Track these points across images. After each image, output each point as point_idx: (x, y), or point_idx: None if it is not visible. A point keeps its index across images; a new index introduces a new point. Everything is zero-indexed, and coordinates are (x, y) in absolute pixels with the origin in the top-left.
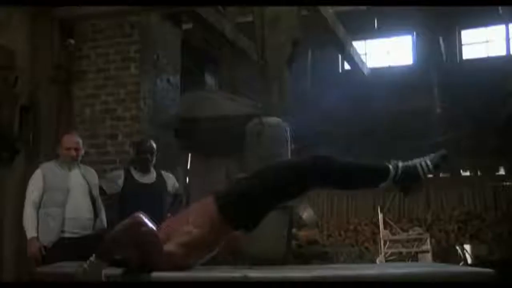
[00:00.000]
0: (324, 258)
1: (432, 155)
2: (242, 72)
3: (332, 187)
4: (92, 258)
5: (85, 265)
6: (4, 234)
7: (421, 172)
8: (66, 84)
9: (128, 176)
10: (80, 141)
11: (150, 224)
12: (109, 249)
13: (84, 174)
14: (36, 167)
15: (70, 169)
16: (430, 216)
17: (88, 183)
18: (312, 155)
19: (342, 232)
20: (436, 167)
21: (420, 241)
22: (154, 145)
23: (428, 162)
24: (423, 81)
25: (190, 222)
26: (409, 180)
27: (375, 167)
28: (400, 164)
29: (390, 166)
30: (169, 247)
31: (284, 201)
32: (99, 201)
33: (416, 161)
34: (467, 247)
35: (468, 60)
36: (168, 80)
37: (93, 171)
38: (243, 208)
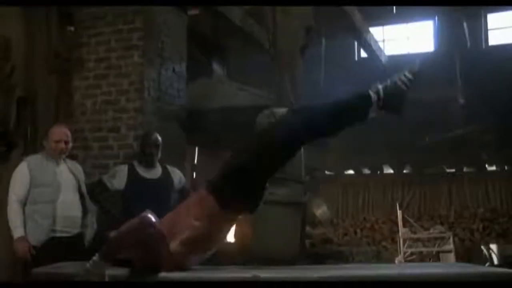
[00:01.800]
0: (339, 257)
1: (411, 65)
2: (252, 60)
3: (319, 134)
4: (95, 258)
5: (88, 265)
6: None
7: (403, 86)
8: (65, 74)
9: (132, 172)
10: (69, 133)
11: (158, 225)
12: (114, 249)
13: (72, 169)
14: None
15: (58, 163)
16: (453, 213)
17: (76, 178)
18: (291, 110)
19: (358, 231)
20: (416, 73)
21: (442, 240)
22: (159, 139)
23: (407, 73)
24: (445, 69)
25: (190, 215)
26: (395, 99)
27: (356, 98)
28: (380, 86)
29: (371, 92)
30: (173, 245)
31: (275, 168)
32: (88, 197)
33: (394, 77)
34: (493, 246)
35: (494, 46)
36: (174, 69)
37: (78, 166)
38: (235, 187)
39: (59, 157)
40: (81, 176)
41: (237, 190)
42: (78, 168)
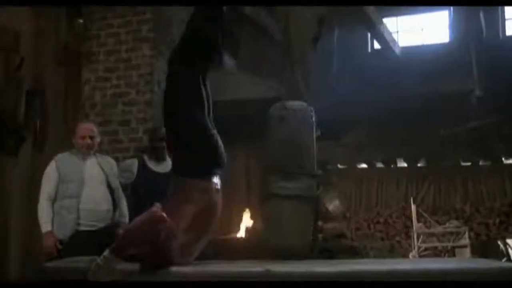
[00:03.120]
0: (352, 252)
1: None
2: (264, 52)
3: (207, 62)
4: (106, 253)
5: (99, 261)
6: (10, 225)
7: None
8: (74, 67)
9: (142, 165)
10: (96, 129)
11: (168, 219)
12: (125, 244)
13: (101, 163)
14: (45, 156)
15: (85, 159)
16: (469, 207)
17: (105, 172)
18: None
19: (372, 225)
20: None
21: (458, 235)
22: None
23: None
24: (461, 60)
25: (178, 202)
26: None
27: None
28: None
29: None
30: (181, 237)
31: (198, 113)
32: (120, 191)
33: None
34: (510, 241)
35: None
36: None
37: (111, 160)
38: (183, 155)
39: (87, 153)
40: (112, 171)
41: (188, 154)
42: (109, 162)
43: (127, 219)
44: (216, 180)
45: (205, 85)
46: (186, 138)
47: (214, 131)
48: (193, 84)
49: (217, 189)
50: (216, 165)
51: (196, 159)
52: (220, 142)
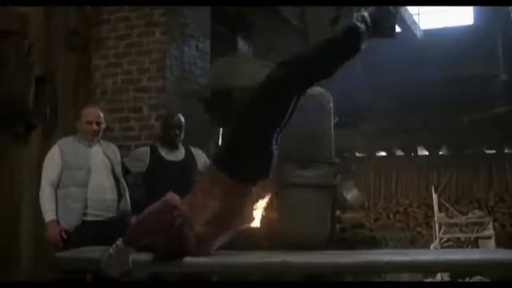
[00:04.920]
0: (371, 243)
1: None
2: (280, 37)
3: (313, 79)
4: (118, 243)
5: (111, 250)
6: (21, 214)
7: (391, 8)
8: (84, 53)
9: (155, 154)
10: (102, 114)
11: (182, 208)
12: (137, 233)
13: (106, 151)
14: (53, 142)
15: (90, 146)
16: (493, 197)
17: (110, 160)
18: (277, 64)
19: (391, 215)
20: None
21: (481, 225)
22: (183, 119)
23: None
24: (486, 43)
25: (206, 196)
26: (384, 22)
27: (343, 33)
28: (366, 13)
29: (357, 23)
30: (196, 228)
31: (275, 126)
32: (123, 181)
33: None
34: None
35: None
36: (197, 47)
37: (115, 147)
38: (241, 155)
39: (92, 139)
40: (116, 159)
41: (242, 158)
42: (114, 150)
43: (129, 208)
44: (254, 189)
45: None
46: (252, 143)
47: (276, 147)
48: (292, 99)
49: (251, 197)
50: (261, 177)
51: (249, 165)
52: (275, 159)
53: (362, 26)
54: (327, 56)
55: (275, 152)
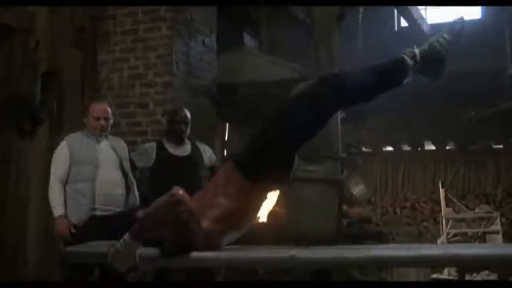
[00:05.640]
0: (378, 238)
1: (450, 27)
2: (286, 32)
3: (351, 102)
4: (125, 237)
5: (118, 245)
6: (28, 208)
7: (440, 49)
8: (90, 48)
9: (161, 149)
10: (110, 110)
11: (189, 202)
12: (144, 228)
13: (114, 145)
14: (61, 138)
15: (98, 141)
16: (501, 192)
17: (118, 155)
18: (319, 78)
19: (398, 210)
20: (458, 35)
21: (489, 220)
22: (188, 114)
23: (446, 35)
24: (494, 37)
25: (220, 193)
26: (433, 64)
27: (391, 63)
28: (416, 50)
29: (406, 57)
30: (204, 224)
31: (304, 140)
32: (131, 175)
33: (432, 39)
34: None
35: None
36: (203, 42)
37: (122, 142)
38: (263, 161)
39: (100, 134)
40: (124, 153)
41: (265, 163)
42: (121, 145)
43: (138, 203)
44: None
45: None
46: (278, 152)
47: (297, 158)
48: (326, 117)
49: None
50: (280, 183)
51: (271, 171)
52: (295, 166)
53: (410, 62)
54: (369, 82)
55: (295, 163)
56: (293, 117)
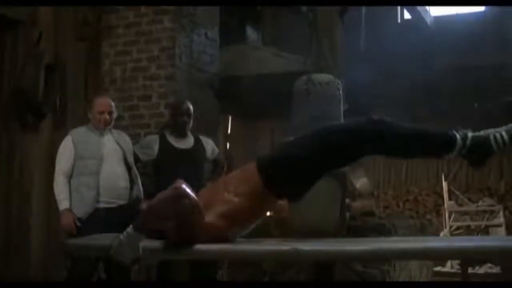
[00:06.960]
0: (381, 231)
1: (510, 125)
2: (289, 24)
3: (388, 153)
4: (129, 230)
5: (122, 237)
6: (32, 203)
7: (494, 145)
8: (93, 41)
9: (164, 141)
10: (113, 104)
11: (192, 195)
12: (148, 220)
13: (118, 139)
14: (65, 133)
15: (102, 135)
16: (504, 185)
17: (122, 149)
18: (369, 117)
19: (401, 203)
20: None
21: (492, 213)
22: (191, 107)
23: (504, 134)
24: (497, 30)
25: (231, 191)
26: (479, 153)
27: (440, 135)
28: (470, 134)
29: (458, 135)
30: (209, 218)
31: (333, 168)
32: (135, 168)
33: (490, 131)
34: None
35: None
36: (206, 35)
37: (126, 136)
38: (287, 175)
39: (104, 128)
40: (128, 147)
41: (291, 180)
42: (125, 138)
43: (142, 196)
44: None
45: None
46: (306, 173)
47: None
48: (363, 155)
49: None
50: (295, 199)
51: (292, 187)
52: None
53: (460, 141)
54: (414, 143)
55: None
56: (330, 146)
